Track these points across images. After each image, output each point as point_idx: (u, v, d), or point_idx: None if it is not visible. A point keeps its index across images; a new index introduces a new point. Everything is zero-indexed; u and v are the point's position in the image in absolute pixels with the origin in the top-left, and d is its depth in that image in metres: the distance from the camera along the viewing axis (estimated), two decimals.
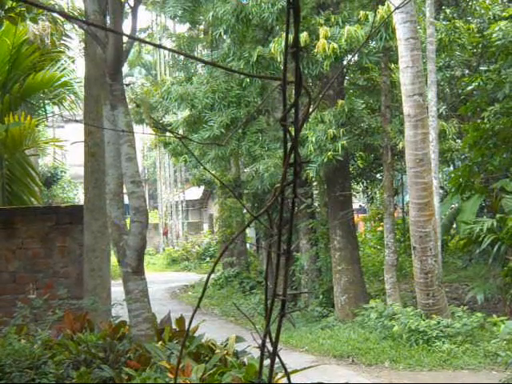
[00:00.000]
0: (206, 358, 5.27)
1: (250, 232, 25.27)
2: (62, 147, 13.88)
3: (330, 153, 12.69)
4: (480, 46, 15.33)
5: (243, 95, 14.70)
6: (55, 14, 12.16)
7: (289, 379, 1.57)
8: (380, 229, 20.78)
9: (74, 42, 17.11)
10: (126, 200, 6.23)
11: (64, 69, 12.27)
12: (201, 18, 16.13)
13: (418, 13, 13.45)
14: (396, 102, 14.08)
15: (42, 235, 8.72)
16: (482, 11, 15.77)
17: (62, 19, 12.85)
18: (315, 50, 12.33)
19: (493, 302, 13.52)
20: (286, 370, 1.56)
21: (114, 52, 5.92)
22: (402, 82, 11.93)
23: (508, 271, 11.99)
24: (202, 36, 19.53)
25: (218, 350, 5.40)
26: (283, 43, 11.82)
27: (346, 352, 11.62)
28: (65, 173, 28.21)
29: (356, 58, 13.95)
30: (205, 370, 4.77)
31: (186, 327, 5.90)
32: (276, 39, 12.88)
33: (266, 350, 1.43)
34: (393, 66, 14.33)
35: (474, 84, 13.77)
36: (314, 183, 16.92)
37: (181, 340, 5.54)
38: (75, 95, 12.25)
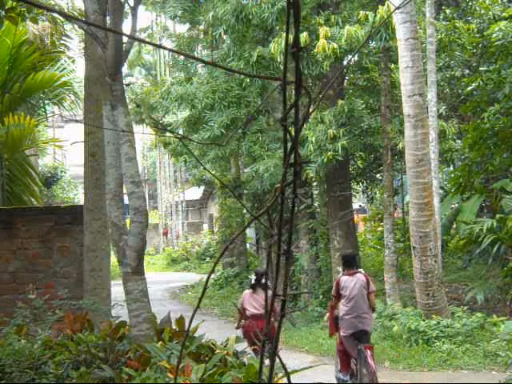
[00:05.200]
0: (206, 358, 5.27)
1: (250, 232, 25.27)
2: (61, 147, 13.89)
3: (329, 153, 12.70)
4: (480, 46, 15.32)
5: (243, 95, 14.70)
6: (55, 14, 12.15)
7: (289, 379, 1.57)
8: (380, 229, 20.80)
9: (74, 41, 17.12)
10: (126, 200, 6.23)
11: (64, 69, 12.27)
12: (201, 18, 16.13)
13: (417, 13, 13.46)
14: (396, 102, 14.09)
15: (41, 235, 8.71)
16: (482, 11, 15.76)
17: (62, 19, 12.85)
18: (315, 50, 12.34)
19: (493, 302, 13.52)
20: (285, 369, 1.56)
21: (113, 52, 5.91)
22: (402, 82, 11.93)
23: (508, 271, 11.98)
24: (202, 36, 19.53)
25: (218, 350, 5.40)
26: (283, 43, 11.82)
27: None
28: (65, 173, 28.24)
29: (356, 58, 13.96)
30: (205, 370, 4.77)
31: (186, 327, 5.90)
32: (276, 39, 12.89)
33: (265, 349, 1.43)
34: (393, 66, 14.33)
35: (474, 84, 13.77)
36: (314, 183, 16.92)
37: (181, 340, 5.54)
38: (75, 95, 12.25)
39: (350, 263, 8.59)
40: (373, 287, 8.60)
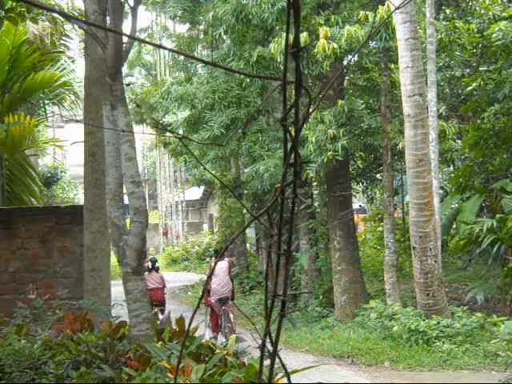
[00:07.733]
0: (206, 358, 5.26)
1: (250, 232, 25.26)
2: (61, 147, 13.88)
3: (329, 153, 12.69)
4: (480, 46, 15.32)
5: (243, 95, 14.70)
6: (55, 14, 12.15)
7: (289, 379, 1.57)
8: (380, 229, 20.79)
9: (74, 41, 17.11)
10: (126, 200, 6.23)
11: (64, 69, 12.26)
12: (201, 18, 16.13)
13: (417, 13, 13.45)
14: (396, 102, 14.08)
15: (41, 235, 8.71)
16: (482, 11, 15.75)
17: (62, 19, 12.85)
18: (315, 50, 12.33)
19: (493, 302, 13.52)
20: (285, 369, 1.56)
21: (113, 52, 5.91)
22: (402, 82, 11.93)
23: (508, 271, 11.98)
24: (202, 36, 19.53)
25: (217, 350, 5.39)
26: (283, 43, 11.83)
27: (345, 352, 11.61)
28: (65, 173, 28.22)
29: (356, 58, 13.95)
30: (205, 370, 4.77)
31: (186, 327, 5.89)
32: (276, 39, 12.88)
33: (265, 349, 1.43)
34: (393, 66, 14.33)
35: (474, 84, 13.76)
36: (314, 183, 16.92)
37: (181, 340, 5.54)
38: (75, 95, 12.25)
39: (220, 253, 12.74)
40: (231, 270, 13.13)
